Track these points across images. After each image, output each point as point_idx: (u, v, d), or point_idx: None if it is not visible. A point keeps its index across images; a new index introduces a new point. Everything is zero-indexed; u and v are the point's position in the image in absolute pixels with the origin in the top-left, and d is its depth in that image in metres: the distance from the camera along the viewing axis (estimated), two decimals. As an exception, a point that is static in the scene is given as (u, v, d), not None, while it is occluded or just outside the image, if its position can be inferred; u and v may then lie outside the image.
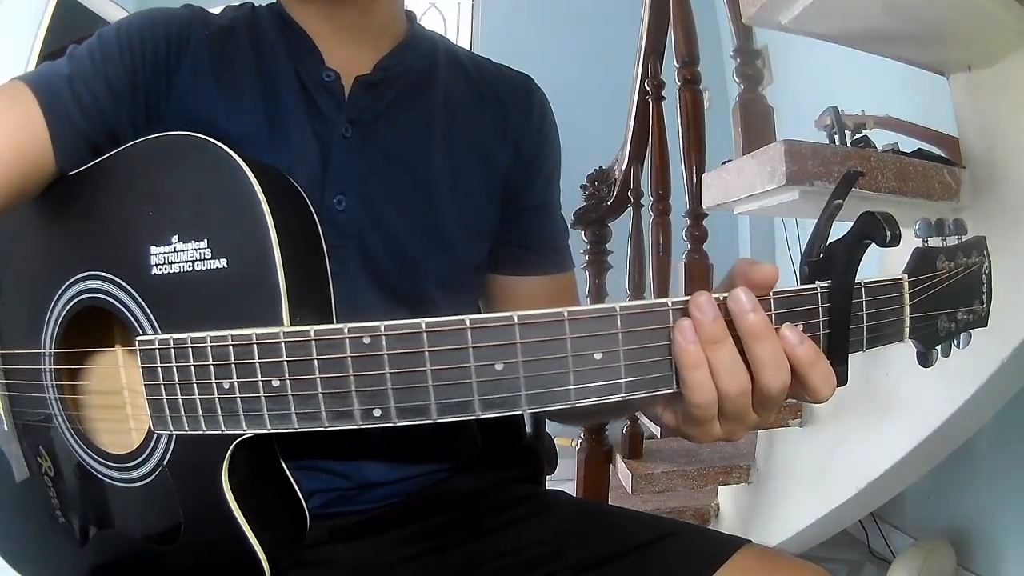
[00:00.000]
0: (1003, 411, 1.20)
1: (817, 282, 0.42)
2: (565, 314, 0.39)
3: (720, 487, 1.67)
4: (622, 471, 1.63)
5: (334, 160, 0.61)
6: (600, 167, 1.97)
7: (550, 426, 1.04)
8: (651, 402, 0.47)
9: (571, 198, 1.71)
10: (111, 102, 0.56)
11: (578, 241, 1.89)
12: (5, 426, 0.59)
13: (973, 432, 1.25)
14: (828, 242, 0.42)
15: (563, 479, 1.10)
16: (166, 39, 0.59)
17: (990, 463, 1.63)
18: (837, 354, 0.42)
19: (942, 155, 1.15)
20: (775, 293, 0.41)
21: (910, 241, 0.45)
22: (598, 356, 0.39)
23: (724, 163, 1.23)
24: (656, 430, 1.43)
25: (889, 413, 1.23)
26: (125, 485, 0.52)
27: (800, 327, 0.41)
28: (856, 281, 0.42)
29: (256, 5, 0.67)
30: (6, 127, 0.53)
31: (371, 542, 0.62)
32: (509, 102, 0.71)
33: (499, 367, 0.39)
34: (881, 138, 1.27)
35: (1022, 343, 0.99)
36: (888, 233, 0.40)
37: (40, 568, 0.63)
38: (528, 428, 0.97)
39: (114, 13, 3.26)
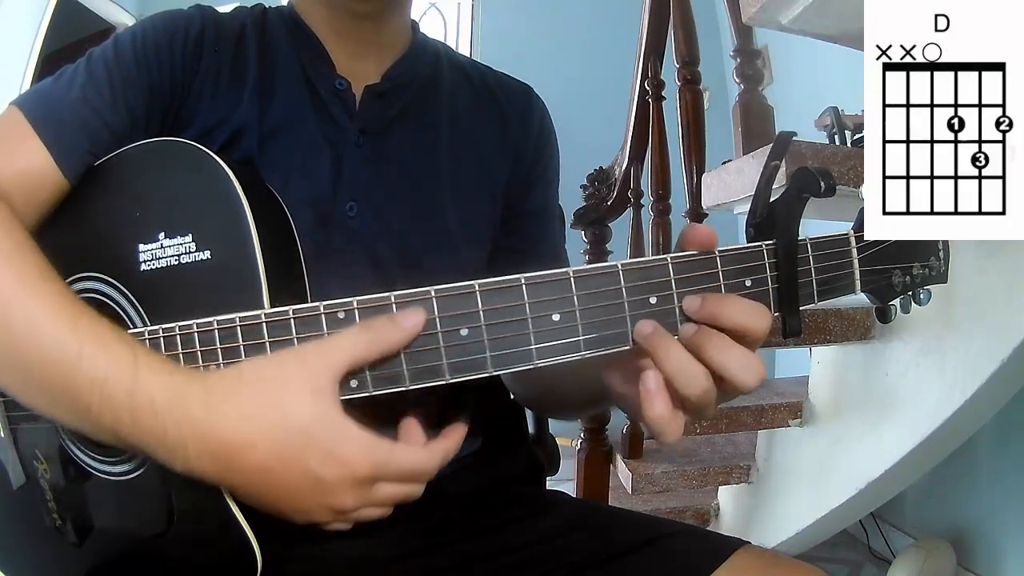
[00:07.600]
0: (1003, 411, 1.20)
1: (763, 241, 0.44)
2: (522, 280, 0.42)
3: (720, 487, 1.66)
4: (622, 471, 1.62)
5: (346, 169, 0.62)
6: (600, 167, 1.97)
7: (552, 426, 1.04)
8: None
9: (571, 198, 1.70)
10: (128, 124, 0.56)
11: (578, 241, 1.88)
12: (2, 432, 0.59)
13: (973, 432, 1.25)
14: (770, 202, 0.45)
15: (563, 479, 1.10)
16: (183, 48, 0.59)
17: (990, 463, 1.62)
18: (788, 306, 0.44)
19: (942, 155, 1.15)
20: (720, 251, 0.43)
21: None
22: (556, 317, 0.42)
23: (724, 163, 1.23)
24: (656, 430, 1.43)
25: (889, 413, 1.22)
26: (117, 479, 0.53)
27: (749, 282, 0.44)
28: (802, 238, 0.44)
29: (267, 7, 0.67)
30: (15, 173, 0.52)
31: (367, 539, 0.62)
32: (510, 110, 0.72)
33: (464, 332, 0.42)
34: (881, 138, 1.26)
35: (1022, 343, 0.99)
36: (823, 184, 0.42)
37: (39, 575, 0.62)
38: (531, 429, 0.97)
39: (114, 13, 3.26)
